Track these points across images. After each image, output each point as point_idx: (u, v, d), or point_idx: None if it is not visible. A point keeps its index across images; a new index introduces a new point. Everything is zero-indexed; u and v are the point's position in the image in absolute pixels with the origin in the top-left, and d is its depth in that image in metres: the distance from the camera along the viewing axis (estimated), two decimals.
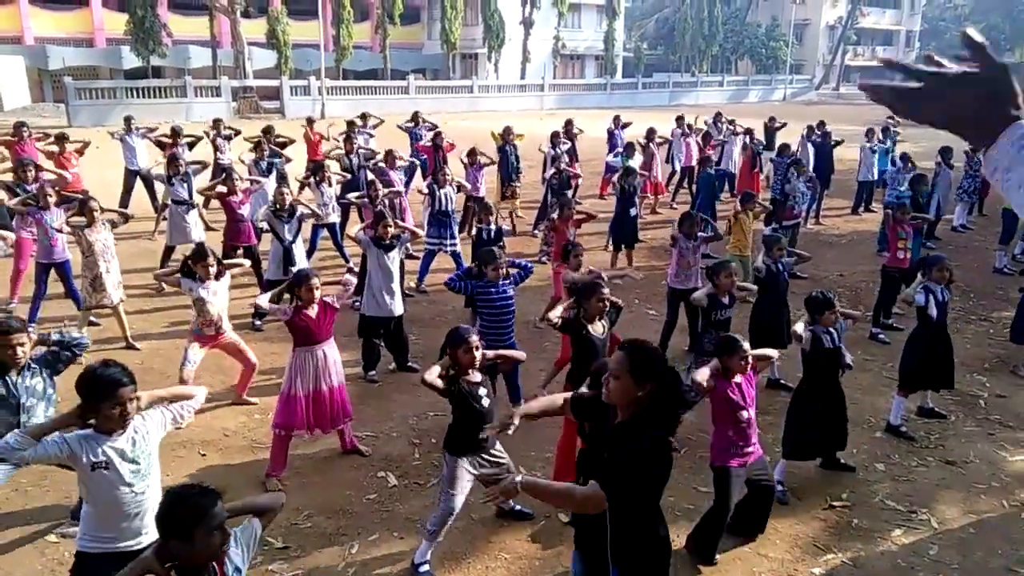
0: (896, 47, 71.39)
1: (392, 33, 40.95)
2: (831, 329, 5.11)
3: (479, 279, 6.01)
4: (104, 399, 3.11)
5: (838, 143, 14.86)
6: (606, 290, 5.10)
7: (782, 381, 6.68)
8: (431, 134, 13.87)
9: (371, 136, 14.94)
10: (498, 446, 4.42)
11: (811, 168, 13.20)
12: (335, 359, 5.37)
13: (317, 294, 5.23)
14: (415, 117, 15.70)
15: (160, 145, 12.29)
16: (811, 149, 14.71)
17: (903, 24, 70.92)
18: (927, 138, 19.50)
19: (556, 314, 5.14)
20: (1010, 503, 5.07)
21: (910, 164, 12.49)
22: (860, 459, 5.56)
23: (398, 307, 6.95)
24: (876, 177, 14.41)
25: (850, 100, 55.86)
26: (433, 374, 4.18)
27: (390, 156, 11.16)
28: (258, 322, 8.19)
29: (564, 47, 47.96)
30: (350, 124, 14.61)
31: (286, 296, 5.29)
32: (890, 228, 8.32)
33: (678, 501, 4.99)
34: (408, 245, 7.45)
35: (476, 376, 4.30)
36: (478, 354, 4.24)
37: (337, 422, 5.42)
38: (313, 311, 5.23)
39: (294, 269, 8.12)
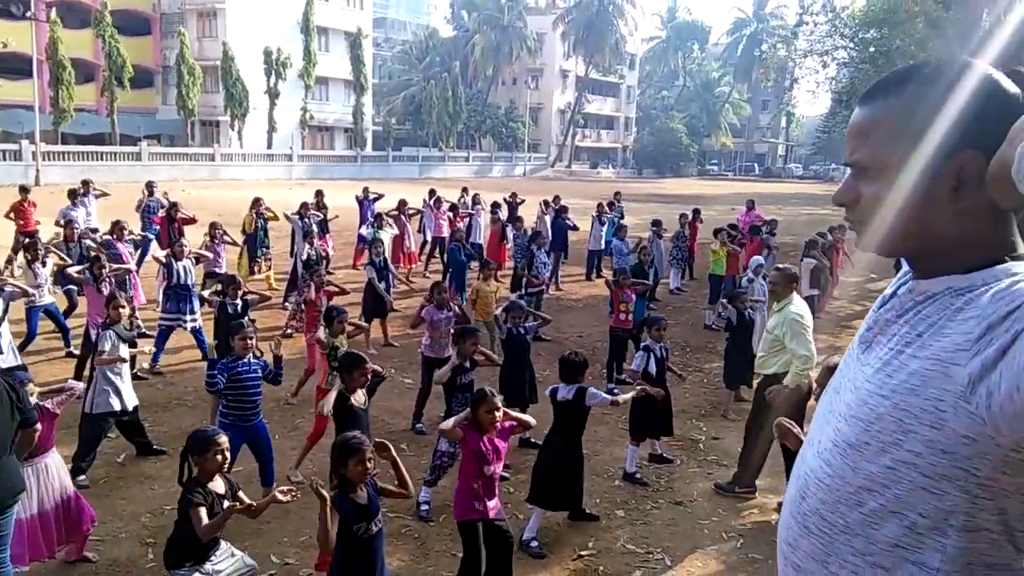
0: (617, 131, 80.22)
1: (122, 97, 38.18)
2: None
3: (226, 354, 5.70)
4: None
5: (575, 228, 16.06)
6: (369, 364, 5.17)
7: (532, 440, 6.99)
8: (167, 205, 13.06)
9: (95, 199, 13.75)
10: (223, 545, 4.10)
11: (549, 239, 14.23)
12: (58, 465, 4.74)
13: (32, 400, 4.52)
14: (149, 187, 14.62)
15: None
16: (548, 222, 15.89)
17: (622, 111, 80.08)
18: (647, 212, 21.97)
19: (327, 409, 5.05)
20: (727, 534, 5.70)
21: (626, 237, 14.01)
22: (603, 507, 5.95)
23: (132, 398, 6.38)
24: (604, 247, 15.93)
25: (580, 177, 61.51)
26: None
27: (118, 228, 10.30)
28: None
29: (312, 118, 47.79)
30: (71, 193, 13.32)
31: None
32: (613, 294, 9.19)
33: (437, 569, 4.99)
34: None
35: (220, 486, 3.94)
36: (229, 456, 3.92)
37: (77, 535, 4.79)
38: None
39: None
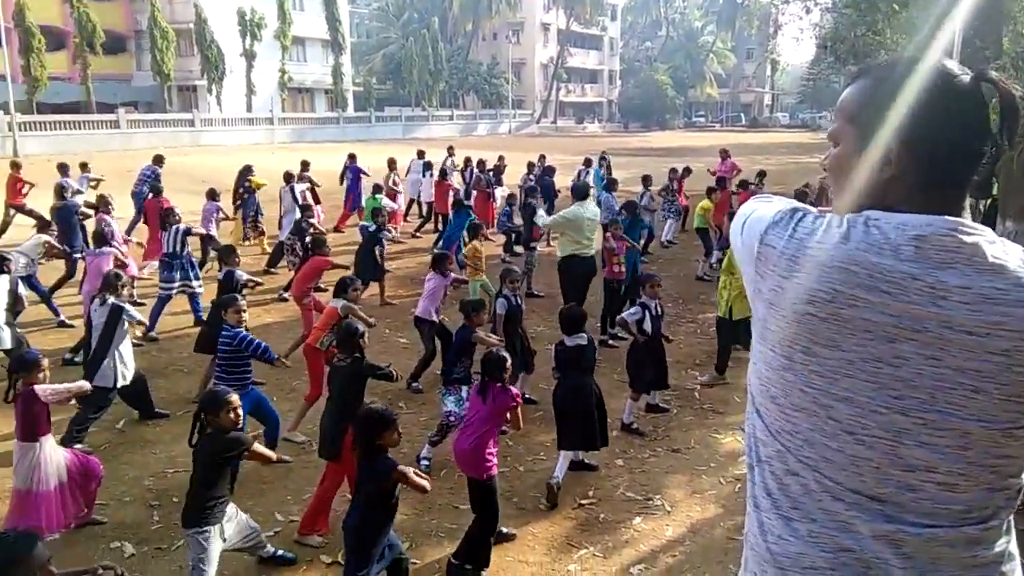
0: (601, 85, 79.28)
1: (95, 63, 37.27)
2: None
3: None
4: None
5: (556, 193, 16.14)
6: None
7: (528, 396, 7.08)
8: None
9: (92, 185, 13.64)
10: (231, 507, 4.19)
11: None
12: (53, 444, 4.81)
13: (41, 376, 4.74)
14: (62, 169, 13.62)
15: None
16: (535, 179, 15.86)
17: (605, 64, 78.99)
18: (635, 166, 21.87)
19: None
20: (725, 479, 5.80)
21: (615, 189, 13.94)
22: (601, 457, 6.02)
23: (132, 369, 6.39)
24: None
25: (567, 132, 60.96)
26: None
27: (103, 201, 10.26)
28: None
29: (291, 80, 46.95)
30: (61, 167, 13.32)
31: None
32: (604, 246, 9.19)
33: (440, 522, 5.06)
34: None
35: None
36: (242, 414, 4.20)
37: (85, 494, 4.89)
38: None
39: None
